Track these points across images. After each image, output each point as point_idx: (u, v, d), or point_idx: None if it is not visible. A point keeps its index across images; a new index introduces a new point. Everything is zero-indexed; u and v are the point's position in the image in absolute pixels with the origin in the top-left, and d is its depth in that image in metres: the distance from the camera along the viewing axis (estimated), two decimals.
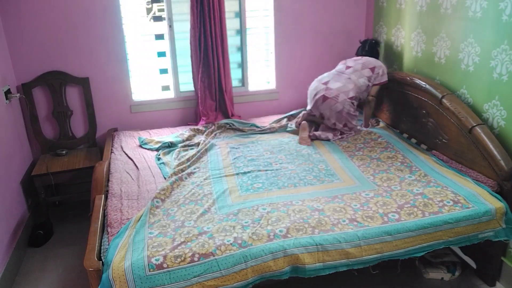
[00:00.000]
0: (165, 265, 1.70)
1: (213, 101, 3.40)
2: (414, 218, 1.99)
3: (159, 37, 3.36)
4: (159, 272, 1.68)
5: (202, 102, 3.35)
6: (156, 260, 1.72)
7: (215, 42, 3.20)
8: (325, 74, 3.12)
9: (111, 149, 2.92)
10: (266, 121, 3.42)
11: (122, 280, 1.65)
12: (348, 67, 3.06)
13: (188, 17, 3.17)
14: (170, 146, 2.97)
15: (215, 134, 3.13)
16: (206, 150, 2.85)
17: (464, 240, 2.06)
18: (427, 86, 2.66)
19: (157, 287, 1.66)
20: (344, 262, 1.87)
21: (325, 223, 1.95)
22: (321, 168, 2.54)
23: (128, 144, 3.02)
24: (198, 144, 2.97)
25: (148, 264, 1.70)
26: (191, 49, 3.23)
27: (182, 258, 1.73)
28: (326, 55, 3.65)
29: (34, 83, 3.08)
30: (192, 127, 3.26)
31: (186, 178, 2.46)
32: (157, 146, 2.95)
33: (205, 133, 3.13)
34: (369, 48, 3.25)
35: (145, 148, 2.96)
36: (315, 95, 3.00)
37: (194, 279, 1.70)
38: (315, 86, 3.07)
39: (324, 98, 2.93)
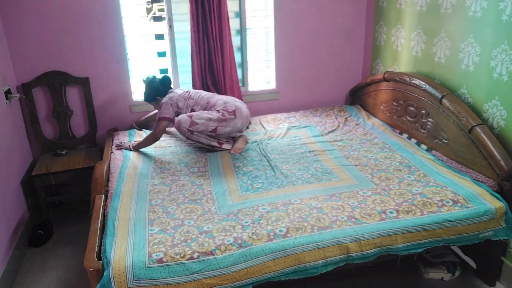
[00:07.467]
0: (165, 260, 1.72)
1: None
2: (412, 216, 2.00)
3: (159, 37, 3.37)
4: (158, 265, 1.70)
5: None
6: (156, 255, 1.74)
7: (216, 43, 3.18)
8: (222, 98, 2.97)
9: (111, 149, 2.92)
10: (269, 119, 3.44)
11: (121, 272, 1.66)
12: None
13: (188, 17, 3.17)
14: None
15: None
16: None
17: (465, 240, 2.06)
18: (427, 86, 2.66)
19: (155, 280, 1.68)
20: (345, 257, 1.87)
21: (324, 221, 1.95)
22: (316, 167, 2.54)
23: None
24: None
25: (149, 259, 1.72)
26: (192, 50, 3.20)
27: (182, 255, 1.74)
28: (326, 55, 3.65)
29: (34, 83, 3.08)
30: None
31: (185, 178, 2.47)
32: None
33: None
34: (164, 82, 3.06)
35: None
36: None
37: (193, 275, 1.71)
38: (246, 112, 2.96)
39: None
